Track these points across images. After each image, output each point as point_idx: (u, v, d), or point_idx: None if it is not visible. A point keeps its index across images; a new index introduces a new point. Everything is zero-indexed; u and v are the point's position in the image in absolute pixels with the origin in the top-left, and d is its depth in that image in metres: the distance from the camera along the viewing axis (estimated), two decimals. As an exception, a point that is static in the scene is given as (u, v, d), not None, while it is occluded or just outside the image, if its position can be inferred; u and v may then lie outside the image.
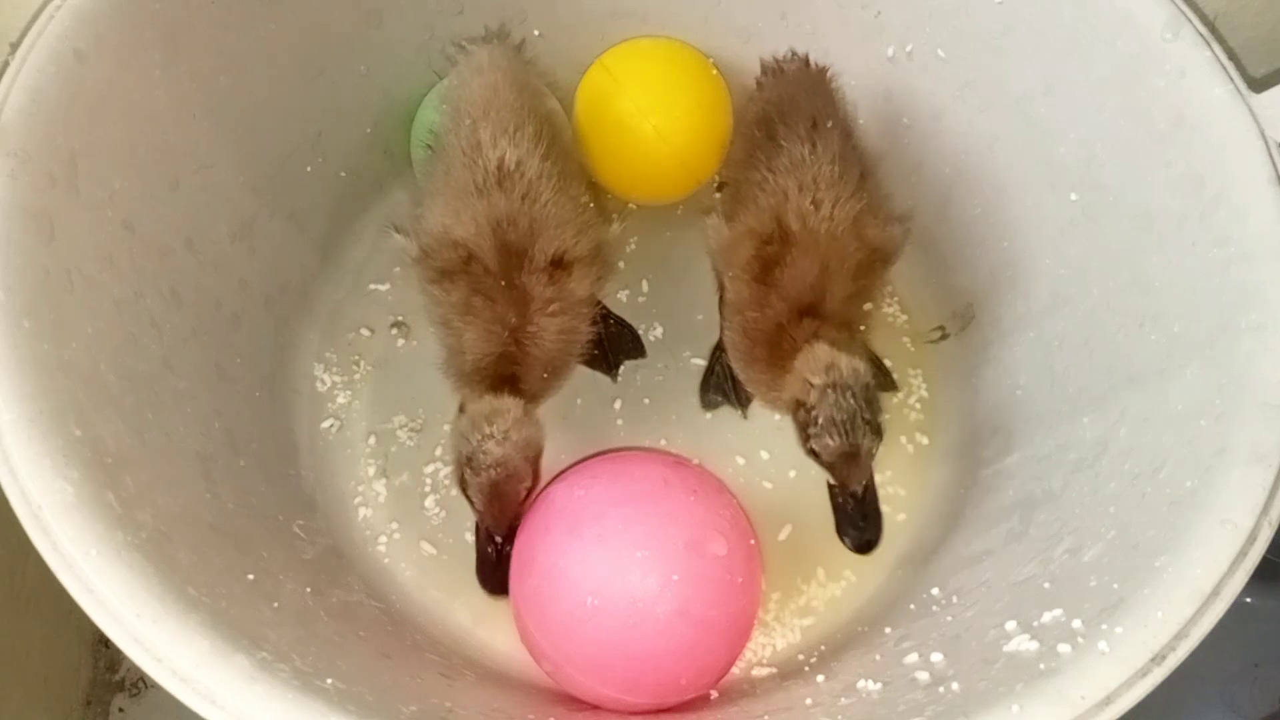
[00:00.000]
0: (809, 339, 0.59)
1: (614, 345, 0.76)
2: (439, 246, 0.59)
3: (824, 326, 0.59)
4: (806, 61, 0.72)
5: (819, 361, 0.56)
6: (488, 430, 0.57)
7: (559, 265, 0.59)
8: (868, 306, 0.63)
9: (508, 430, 0.57)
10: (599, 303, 0.76)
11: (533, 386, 0.61)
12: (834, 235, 0.59)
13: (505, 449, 0.57)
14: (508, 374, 0.60)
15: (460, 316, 0.59)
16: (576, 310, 0.61)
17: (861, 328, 0.63)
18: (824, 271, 0.59)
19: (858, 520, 0.60)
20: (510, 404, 0.58)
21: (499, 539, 0.61)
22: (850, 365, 0.56)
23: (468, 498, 0.59)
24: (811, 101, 0.66)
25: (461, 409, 0.61)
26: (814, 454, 0.58)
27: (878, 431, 0.56)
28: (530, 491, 0.60)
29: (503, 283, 0.58)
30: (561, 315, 0.59)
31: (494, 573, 0.62)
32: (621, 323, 0.77)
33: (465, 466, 0.58)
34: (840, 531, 0.61)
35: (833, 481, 0.60)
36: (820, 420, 0.56)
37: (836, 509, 0.61)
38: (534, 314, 0.59)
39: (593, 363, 0.76)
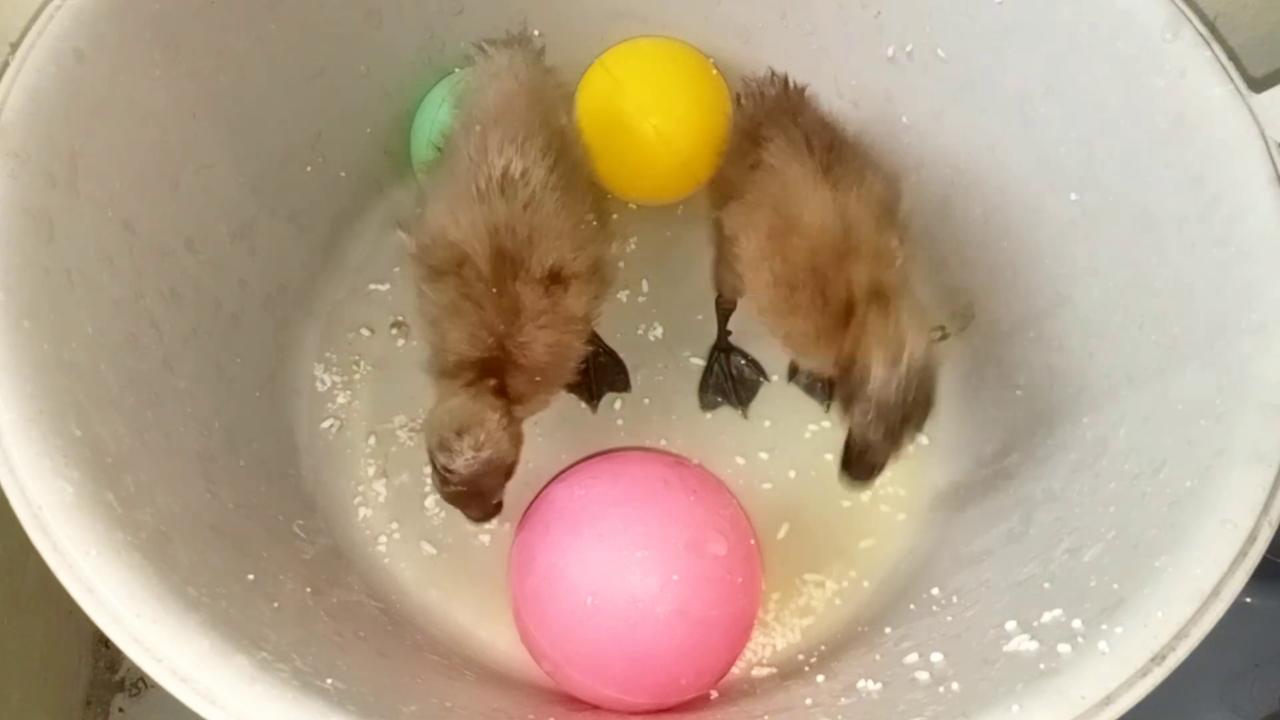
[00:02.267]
0: (870, 295, 0.54)
1: (600, 376, 0.76)
2: (434, 246, 0.59)
3: (878, 268, 0.55)
4: (786, 83, 0.71)
5: (888, 343, 0.52)
6: (456, 447, 0.55)
7: (556, 279, 0.58)
8: (896, 243, 0.58)
9: (481, 445, 0.55)
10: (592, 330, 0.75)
11: (520, 388, 0.59)
12: (838, 180, 0.57)
13: (475, 468, 0.55)
14: (492, 372, 0.58)
15: (448, 317, 0.58)
16: (569, 327, 0.59)
17: (899, 260, 0.58)
18: (841, 206, 0.56)
19: (868, 468, 0.56)
20: (487, 413, 0.56)
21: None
22: (921, 360, 0.52)
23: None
24: (796, 111, 0.66)
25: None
26: (846, 422, 0.55)
27: (921, 425, 0.53)
28: (504, 486, 0.59)
29: (494, 289, 0.57)
30: (551, 329, 0.58)
31: (477, 510, 0.60)
32: (612, 355, 0.76)
33: (435, 472, 0.57)
34: (844, 464, 0.57)
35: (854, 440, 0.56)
36: (870, 415, 0.52)
37: (849, 449, 0.56)
38: (524, 324, 0.57)
39: (575, 389, 0.75)
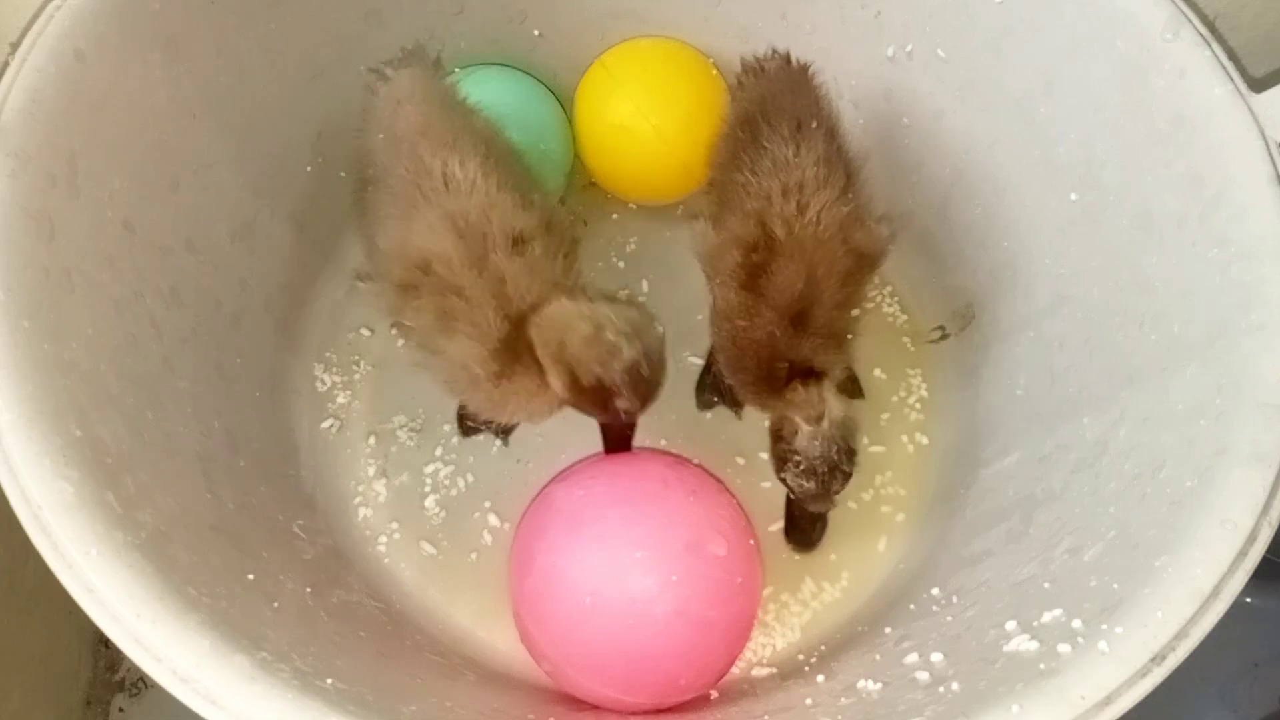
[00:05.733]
0: (802, 373, 0.60)
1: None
2: (396, 264, 0.58)
3: (816, 349, 0.60)
4: (788, 59, 0.71)
5: (811, 407, 0.59)
6: (612, 340, 0.54)
7: (520, 241, 0.58)
8: (856, 313, 0.62)
9: (620, 328, 0.55)
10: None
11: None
12: (820, 241, 0.58)
13: (640, 342, 0.55)
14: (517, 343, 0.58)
15: (442, 330, 0.57)
16: (557, 275, 0.59)
17: (850, 336, 0.62)
18: (811, 280, 0.58)
19: (808, 529, 0.66)
20: (582, 306, 0.56)
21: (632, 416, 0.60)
22: (839, 417, 0.59)
23: (612, 410, 0.57)
24: (795, 101, 0.65)
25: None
26: (784, 482, 0.62)
27: (849, 478, 0.60)
28: None
29: (474, 271, 0.57)
30: (538, 283, 0.58)
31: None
32: None
33: (622, 387, 0.55)
34: (788, 531, 0.67)
35: (795, 497, 0.64)
36: (802, 466, 0.60)
37: (791, 517, 0.67)
38: (516, 294, 0.56)
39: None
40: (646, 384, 0.57)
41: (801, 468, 0.59)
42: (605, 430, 0.63)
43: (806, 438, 0.59)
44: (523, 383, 0.58)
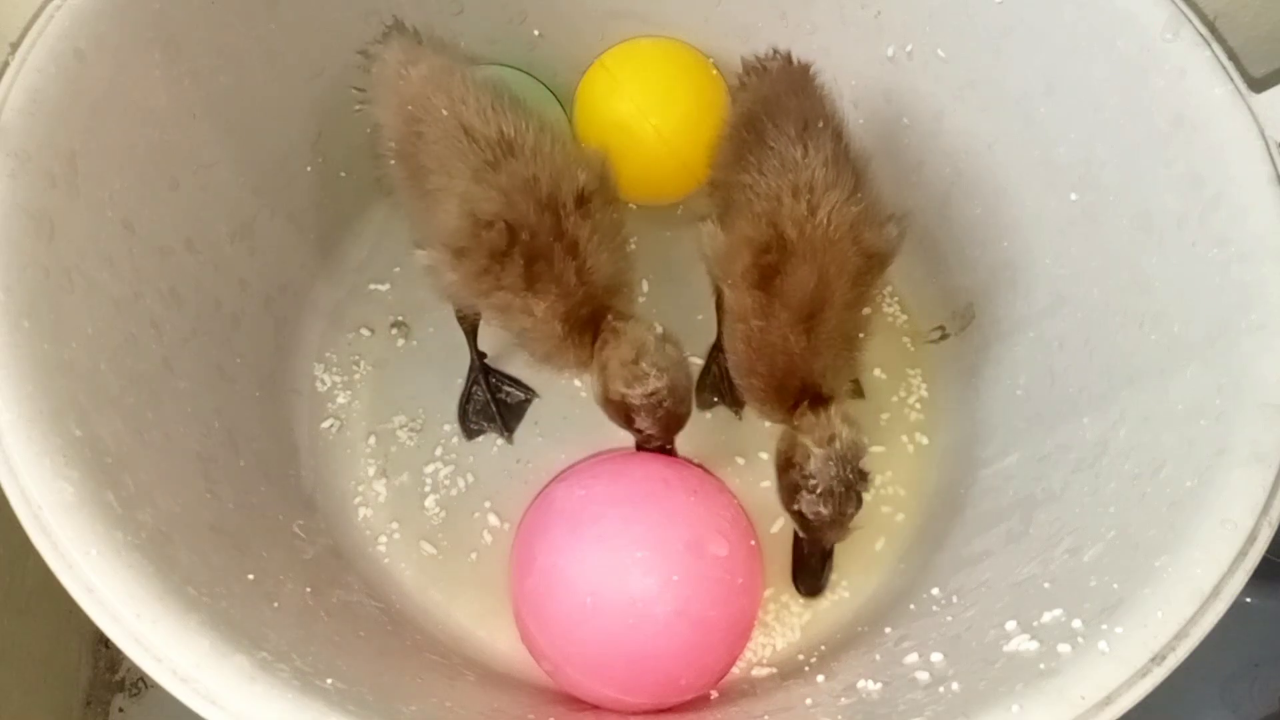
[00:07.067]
0: (811, 397, 0.60)
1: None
2: (475, 235, 0.58)
3: (827, 367, 0.60)
4: (789, 59, 0.71)
5: (821, 430, 0.59)
6: (644, 370, 0.59)
7: (582, 201, 0.59)
8: (867, 311, 0.62)
9: (655, 361, 0.59)
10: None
11: (625, 305, 0.62)
12: (831, 242, 0.58)
13: (667, 378, 0.59)
14: (598, 312, 0.60)
15: (523, 292, 0.59)
16: (615, 238, 0.61)
17: (860, 335, 0.62)
18: (823, 280, 0.58)
19: (817, 571, 0.65)
20: (640, 333, 0.59)
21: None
22: (850, 439, 0.59)
23: (635, 429, 0.62)
24: (800, 102, 0.64)
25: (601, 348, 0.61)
26: (798, 514, 0.61)
27: (861, 501, 0.60)
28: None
29: (552, 238, 0.58)
30: (605, 243, 0.60)
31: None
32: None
33: (641, 411, 0.60)
34: (797, 577, 0.66)
35: (803, 536, 0.64)
36: (819, 489, 0.59)
37: (799, 558, 0.66)
38: (585, 254, 0.59)
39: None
40: (667, 414, 0.61)
41: (818, 490, 0.59)
42: (639, 447, 0.66)
43: (820, 460, 0.58)
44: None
